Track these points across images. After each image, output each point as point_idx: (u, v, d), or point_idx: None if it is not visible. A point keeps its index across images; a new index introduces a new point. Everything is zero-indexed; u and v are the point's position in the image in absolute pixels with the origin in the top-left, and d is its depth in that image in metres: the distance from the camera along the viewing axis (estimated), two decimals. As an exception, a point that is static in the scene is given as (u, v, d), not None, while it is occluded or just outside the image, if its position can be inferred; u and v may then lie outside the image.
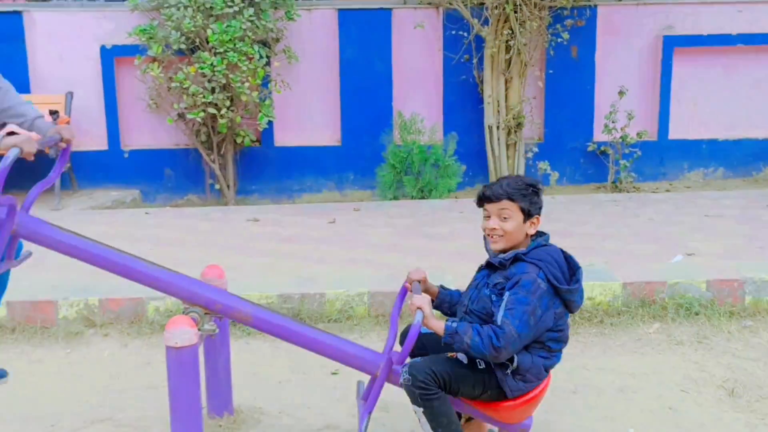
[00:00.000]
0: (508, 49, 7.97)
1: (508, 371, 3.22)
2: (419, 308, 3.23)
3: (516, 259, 3.24)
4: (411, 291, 3.47)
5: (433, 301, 3.53)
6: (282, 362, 4.69)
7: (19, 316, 5.15)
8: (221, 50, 7.63)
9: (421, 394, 3.17)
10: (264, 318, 3.52)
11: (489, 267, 3.38)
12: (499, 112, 8.13)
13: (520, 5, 7.70)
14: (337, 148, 8.57)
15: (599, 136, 8.52)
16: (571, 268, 3.30)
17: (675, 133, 8.64)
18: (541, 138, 8.58)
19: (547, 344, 3.27)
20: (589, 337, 4.96)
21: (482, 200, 3.29)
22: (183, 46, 7.76)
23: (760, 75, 8.67)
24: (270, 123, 8.28)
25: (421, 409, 3.20)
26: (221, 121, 7.86)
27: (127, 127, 8.45)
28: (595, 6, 8.37)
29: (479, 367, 3.26)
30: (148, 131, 8.46)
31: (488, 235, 3.31)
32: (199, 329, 3.37)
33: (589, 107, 8.54)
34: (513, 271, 3.22)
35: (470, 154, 8.40)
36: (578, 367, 4.54)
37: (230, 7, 7.61)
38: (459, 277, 5.17)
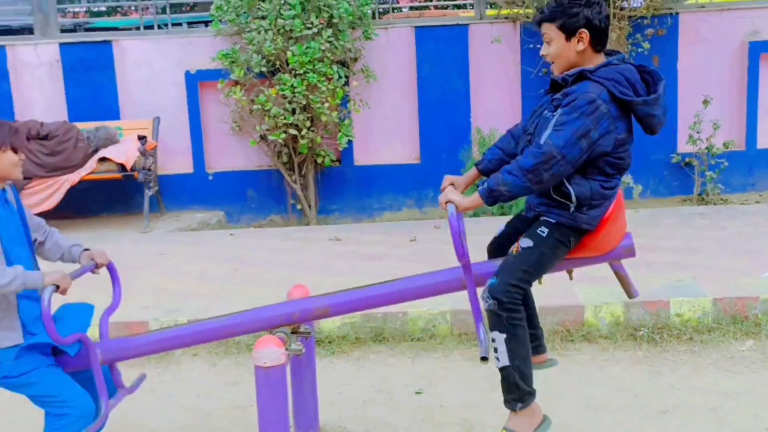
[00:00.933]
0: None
1: (572, 210, 3.14)
2: (448, 202, 3.19)
3: (580, 76, 3.12)
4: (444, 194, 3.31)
5: (477, 182, 3.43)
6: (366, 381, 4.70)
7: (114, 336, 5.27)
8: (301, 72, 7.71)
9: (508, 317, 3.12)
10: (340, 301, 3.57)
11: (553, 88, 3.30)
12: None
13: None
14: (416, 165, 8.58)
15: (683, 147, 8.37)
16: (652, 81, 3.18)
17: (763, 142, 8.44)
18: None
19: (605, 169, 3.14)
20: (679, 355, 4.85)
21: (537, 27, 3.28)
22: (264, 69, 7.88)
23: None
24: (350, 142, 8.35)
25: (504, 335, 3.14)
26: (302, 141, 7.94)
27: (211, 150, 8.60)
28: (677, 14, 8.26)
29: (543, 234, 3.18)
30: (231, 153, 8.59)
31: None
32: (286, 349, 3.41)
33: (673, 117, 8.35)
34: (573, 88, 3.10)
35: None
36: (668, 386, 4.45)
37: (309, 29, 7.70)
38: (551, 297, 5.17)
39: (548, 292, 5.01)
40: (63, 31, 8.92)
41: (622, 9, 7.81)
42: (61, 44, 8.45)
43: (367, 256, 6.67)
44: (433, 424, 4.15)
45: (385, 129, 8.60)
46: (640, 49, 8.09)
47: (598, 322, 5.14)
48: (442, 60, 8.44)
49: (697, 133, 8.19)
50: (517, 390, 3.22)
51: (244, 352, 5.11)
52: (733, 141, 8.34)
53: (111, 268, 3.62)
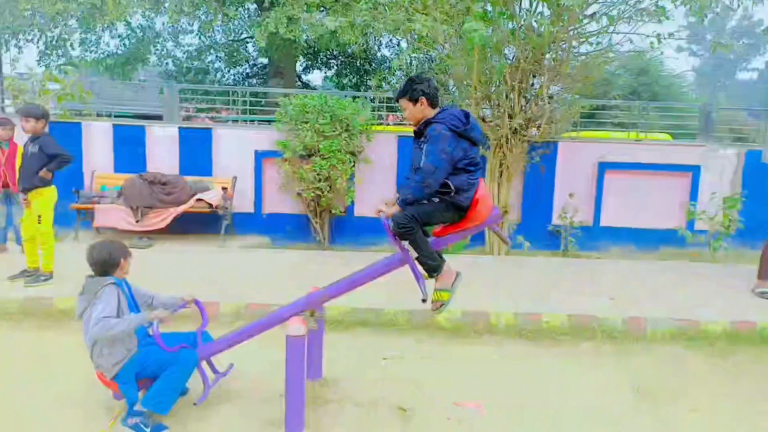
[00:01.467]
0: (501, 165, 7.92)
1: (452, 193, 3.20)
2: (380, 212, 3.32)
3: (427, 123, 3.26)
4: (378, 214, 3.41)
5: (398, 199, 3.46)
6: (354, 349, 4.65)
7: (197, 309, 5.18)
8: (327, 156, 7.71)
9: (404, 232, 3.18)
10: (330, 291, 3.60)
11: (415, 134, 3.38)
12: (495, 204, 8.08)
13: (509, 139, 7.70)
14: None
15: (556, 220, 8.41)
16: (468, 119, 3.26)
17: (604, 222, 8.48)
18: (519, 220, 8.45)
19: (466, 167, 3.23)
20: (546, 348, 4.77)
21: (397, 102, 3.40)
22: (304, 153, 7.85)
23: (660, 188, 8.53)
24: (352, 202, 8.30)
25: (407, 242, 3.21)
26: (323, 199, 7.91)
27: (266, 199, 8.49)
28: (557, 142, 8.35)
29: (435, 201, 3.24)
30: (278, 202, 8.48)
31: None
32: (306, 326, 3.42)
33: (550, 203, 8.43)
34: (428, 131, 3.22)
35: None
36: (538, 367, 4.38)
37: (334, 131, 7.73)
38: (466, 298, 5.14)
39: (468, 301, 5.05)
40: (182, 118, 8.95)
41: (524, 136, 7.81)
42: (180, 127, 8.44)
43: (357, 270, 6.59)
44: (393, 380, 4.07)
45: (374, 195, 8.44)
46: (533, 161, 8.13)
47: (498, 323, 5.11)
48: (411, 155, 8.42)
49: (565, 213, 8.25)
50: (429, 267, 3.31)
51: (280, 326, 5.01)
52: (585, 220, 8.39)
53: (197, 303, 3.60)
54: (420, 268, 3.37)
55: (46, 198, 5.42)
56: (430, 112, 3.30)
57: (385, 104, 9.63)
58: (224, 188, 8.07)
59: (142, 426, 3.24)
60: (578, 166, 8.43)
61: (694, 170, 8.33)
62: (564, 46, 7.50)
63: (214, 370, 3.60)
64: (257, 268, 6.51)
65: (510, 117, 7.65)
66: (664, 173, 8.41)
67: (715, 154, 8.39)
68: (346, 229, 8.46)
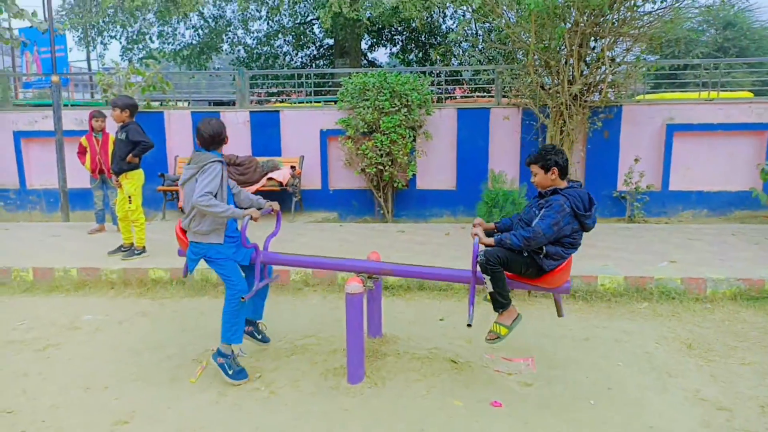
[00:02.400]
0: (561, 132, 7.92)
1: (542, 255, 3.40)
2: (475, 234, 3.51)
3: (555, 191, 3.46)
4: (474, 229, 3.61)
5: (493, 231, 3.71)
6: (412, 312, 4.94)
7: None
8: (387, 132, 7.96)
9: (489, 267, 3.41)
10: (399, 270, 3.86)
11: (539, 195, 3.59)
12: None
13: (569, 106, 7.69)
14: (453, 191, 8.68)
15: (621, 186, 8.33)
16: (590, 203, 3.45)
17: (673, 186, 8.32)
18: (582, 187, 8.43)
19: (565, 243, 3.42)
20: (601, 309, 4.96)
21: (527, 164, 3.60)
22: (365, 130, 8.14)
23: (732, 150, 8.25)
24: (414, 175, 8.51)
25: (489, 277, 3.44)
26: (385, 173, 8.18)
27: (332, 176, 8.87)
28: (621, 105, 8.23)
29: (524, 255, 3.45)
30: (344, 178, 8.83)
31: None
32: (364, 285, 3.76)
33: (614, 168, 8.34)
34: (551, 198, 3.43)
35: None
36: (591, 326, 4.58)
37: (393, 107, 7.96)
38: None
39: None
40: (253, 103, 9.49)
41: (585, 101, 7.79)
42: (251, 111, 8.95)
43: (419, 241, 6.88)
44: (448, 337, 4.36)
45: (436, 168, 8.70)
46: (595, 127, 8.10)
47: (552, 286, 5.31)
48: (473, 128, 8.53)
49: (630, 178, 8.17)
50: (500, 303, 3.53)
51: (342, 291, 5.37)
52: (653, 185, 8.27)
53: (278, 214, 4.04)
54: (490, 295, 3.57)
55: (134, 180, 6.10)
56: (560, 183, 3.52)
57: (446, 78, 9.78)
58: (293, 167, 8.55)
59: (226, 367, 3.71)
60: (644, 130, 8.28)
61: (770, 128, 7.99)
62: (628, 4, 7.36)
63: (264, 276, 4.00)
64: (325, 240, 6.96)
65: (570, 83, 7.65)
66: (738, 132, 8.11)
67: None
68: (409, 202, 8.74)
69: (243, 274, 3.83)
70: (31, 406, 3.47)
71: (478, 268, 3.52)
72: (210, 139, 3.67)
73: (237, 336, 3.74)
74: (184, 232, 3.81)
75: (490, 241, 3.51)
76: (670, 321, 4.67)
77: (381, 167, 8.16)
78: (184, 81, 10.74)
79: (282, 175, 8.30)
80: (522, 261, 3.44)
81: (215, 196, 3.56)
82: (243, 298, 3.70)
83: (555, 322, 4.64)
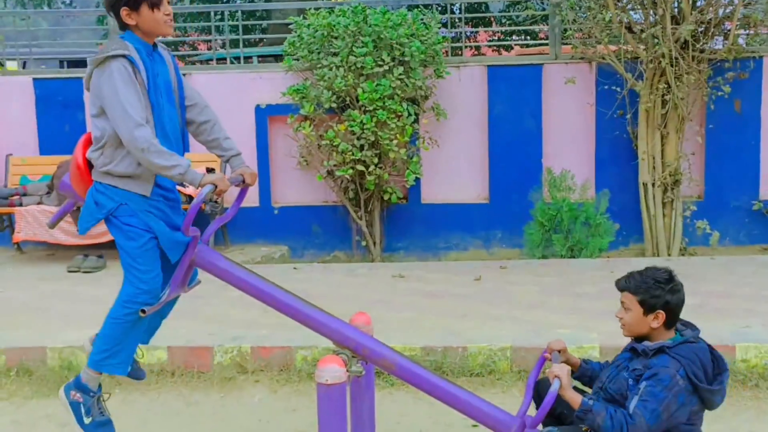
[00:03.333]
0: (664, 103, 8.02)
1: None
2: (557, 377, 3.45)
3: (660, 350, 3.43)
4: (550, 359, 3.68)
5: (573, 372, 3.70)
6: (424, 413, 4.90)
7: (179, 360, 5.59)
8: (371, 108, 7.98)
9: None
10: (407, 367, 3.81)
11: (633, 351, 3.57)
12: (654, 168, 8.18)
13: (677, 59, 7.80)
14: (485, 205, 8.73)
15: (766, 194, 8.43)
16: (717, 368, 3.45)
17: None
18: (701, 196, 8.52)
19: None
20: (743, 400, 4.96)
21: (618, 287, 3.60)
22: (334, 105, 8.16)
23: None
24: (417, 180, 8.52)
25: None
26: (369, 178, 8.17)
27: (277, 184, 8.91)
28: (761, 57, 8.35)
29: None
30: (297, 188, 8.87)
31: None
32: (347, 370, 3.74)
33: (755, 163, 8.44)
34: (654, 362, 3.40)
35: (624, 213, 8.44)
36: (730, 429, 4.59)
37: (380, 66, 8.01)
38: (605, 336, 5.37)
39: (611, 331, 5.29)
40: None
41: (702, 51, 7.95)
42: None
43: (430, 293, 6.86)
44: None
45: (454, 167, 8.78)
46: (720, 93, 8.15)
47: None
48: (515, 99, 8.59)
49: (780, 182, 8.32)
50: None
51: (304, 380, 5.34)
52: (823, 191, 8.39)
53: (244, 190, 4.03)
54: None
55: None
56: (664, 336, 3.54)
57: (467, 15, 9.87)
58: (210, 169, 8.43)
59: (82, 410, 3.71)
60: (801, 97, 8.41)
61: None
62: None
63: (183, 284, 3.98)
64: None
65: (676, 22, 7.79)
66: None
67: None
68: (410, 225, 8.75)
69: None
70: None
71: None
72: (107, 3, 3.67)
73: (116, 363, 3.75)
74: (88, 166, 3.74)
75: (575, 399, 3.47)
76: None
77: (362, 168, 8.18)
78: (18, 26, 10.70)
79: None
80: None
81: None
82: (143, 310, 3.68)
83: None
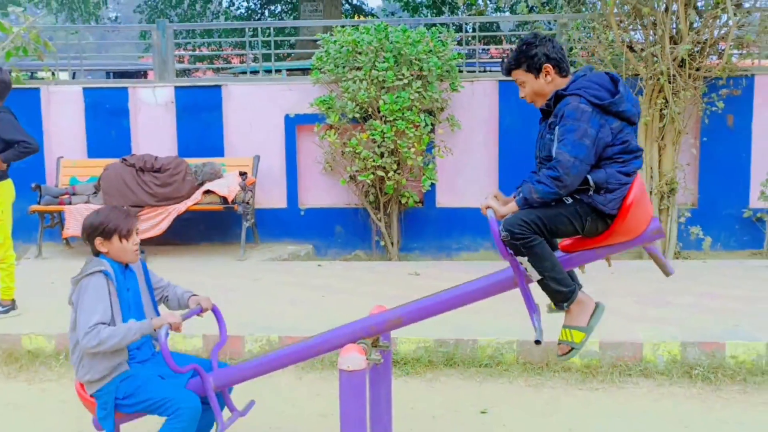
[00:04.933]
0: (662, 117, 8.05)
1: (590, 192, 3.36)
2: (488, 208, 3.45)
3: (558, 96, 3.42)
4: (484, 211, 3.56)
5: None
6: (437, 400, 4.95)
7: (213, 347, 5.70)
8: (391, 119, 8.04)
9: (521, 244, 3.34)
10: (410, 311, 3.87)
11: (541, 112, 3.58)
12: (652, 177, 8.19)
13: (674, 76, 7.83)
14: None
15: (755, 202, 8.39)
16: (615, 84, 3.41)
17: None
18: (694, 204, 8.51)
19: (615, 157, 3.39)
20: (731, 394, 4.98)
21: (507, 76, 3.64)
22: (357, 115, 8.22)
23: None
24: (432, 185, 8.56)
25: (526, 257, 3.38)
26: (388, 183, 8.23)
27: (304, 188, 8.96)
28: (752, 75, 8.32)
29: (567, 202, 3.40)
30: (322, 191, 8.92)
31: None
32: (367, 358, 3.78)
33: (745, 174, 8.43)
34: (558, 107, 3.39)
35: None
36: (718, 421, 4.60)
37: (400, 80, 8.05)
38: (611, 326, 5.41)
39: (609, 329, 5.33)
40: (178, 74, 9.61)
41: (698, 69, 7.95)
42: (177, 87, 9.03)
43: (443, 289, 6.93)
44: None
45: (466, 174, 8.78)
46: (714, 108, 8.18)
47: (656, 358, 5.33)
48: (524, 112, 8.43)
49: (768, 190, 8.29)
50: (558, 293, 3.49)
51: (327, 368, 5.40)
52: (810, 199, 8.33)
53: (215, 311, 4.03)
54: (540, 285, 3.53)
55: (2, 196, 6.13)
56: (561, 83, 3.50)
57: (479, 34, 9.90)
58: (242, 173, 8.57)
59: None
60: (790, 113, 8.39)
61: None
62: None
63: (231, 407, 4.03)
64: (295, 289, 6.98)
65: (673, 42, 7.79)
66: None
67: None
68: (425, 227, 8.79)
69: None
70: None
71: (537, 313, 3.55)
72: (86, 234, 3.84)
73: None
74: (83, 388, 3.85)
75: (512, 206, 3.45)
76: None
77: (381, 173, 8.22)
78: (67, 40, 10.80)
79: (226, 186, 8.34)
80: (567, 213, 3.41)
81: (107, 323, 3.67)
82: None
83: (663, 417, 4.67)
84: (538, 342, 3.57)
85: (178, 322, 3.68)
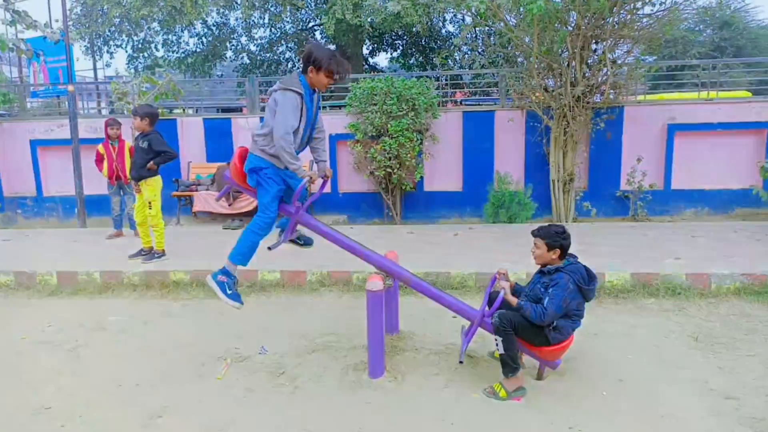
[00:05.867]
0: (565, 133, 8.03)
1: (551, 328, 3.51)
2: (503, 287, 3.60)
3: (557, 269, 3.56)
4: (499, 278, 3.78)
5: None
6: (426, 309, 4.99)
7: (287, 278, 5.75)
8: (395, 136, 8.07)
9: (502, 329, 3.50)
10: (415, 282, 3.93)
11: (541, 272, 3.69)
12: (558, 171, 8.20)
13: (573, 107, 7.83)
14: (460, 192, 8.75)
15: (624, 186, 8.42)
16: (590, 277, 3.58)
17: (675, 185, 8.42)
18: (586, 188, 8.53)
19: (572, 317, 3.55)
20: (608, 304, 5.06)
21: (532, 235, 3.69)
22: (374, 134, 8.26)
23: (732, 148, 8.37)
24: (421, 177, 8.60)
25: (501, 338, 3.51)
26: (394, 176, 8.27)
27: (342, 180, 9.00)
28: (623, 106, 8.32)
29: (529, 321, 3.52)
30: (353, 182, 8.95)
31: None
32: (384, 284, 3.86)
33: (617, 168, 8.44)
34: (555, 276, 3.54)
35: (540, 197, 8.44)
36: (599, 320, 4.69)
37: (401, 111, 8.07)
38: (529, 267, 5.41)
39: (533, 268, 5.32)
40: (262, 109, 9.66)
41: (588, 102, 7.91)
42: (261, 117, 9.01)
43: (429, 242, 6.96)
44: (461, 331, 4.48)
45: (443, 170, 8.78)
46: (598, 127, 8.18)
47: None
48: (479, 131, 8.60)
49: (633, 178, 8.28)
50: (508, 366, 3.56)
51: (358, 290, 5.48)
52: (656, 183, 8.36)
53: (326, 181, 4.03)
54: (500, 357, 3.60)
55: (154, 186, 6.24)
56: (559, 261, 3.63)
57: (450, 82, 9.90)
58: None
59: (226, 287, 3.78)
60: (646, 130, 8.38)
61: (769, 127, 8.12)
62: (628, 7, 7.49)
63: (292, 232, 4.09)
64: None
65: (572, 85, 7.78)
66: (737, 131, 8.24)
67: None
68: (417, 204, 8.84)
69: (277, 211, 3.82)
70: (67, 403, 3.60)
71: (493, 326, 3.58)
72: (303, 56, 3.66)
73: (245, 259, 3.83)
74: (242, 161, 3.79)
75: (513, 300, 3.57)
76: (676, 315, 4.77)
77: (389, 170, 8.26)
78: (191, 88, 10.88)
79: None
80: (532, 330, 3.52)
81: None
82: (269, 248, 3.85)
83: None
84: (461, 362, 3.68)
85: (315, 178, 3.70)
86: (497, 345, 3.54)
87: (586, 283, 3.55)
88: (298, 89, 3.58)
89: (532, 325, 3.51)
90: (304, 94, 3.61)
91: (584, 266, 3.62)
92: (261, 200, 3.80)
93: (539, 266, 3.71)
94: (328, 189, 8.97)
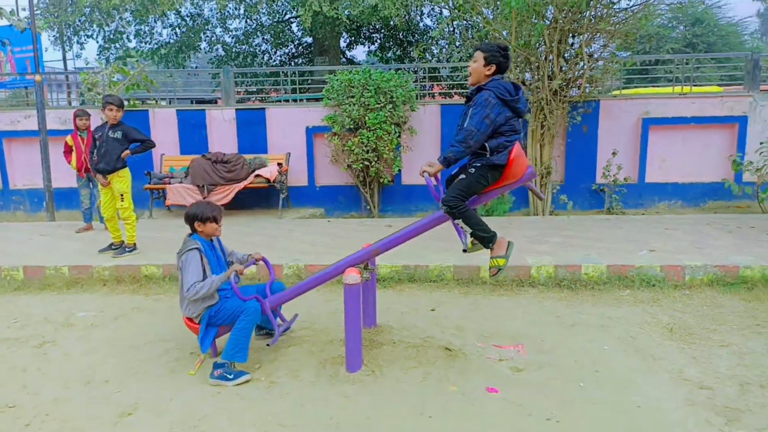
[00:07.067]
0: (543, 126, 8.07)
1: (488, 154, 3.39)
2: (423, 172, 3.50)
3: (478, 89, 3.44)
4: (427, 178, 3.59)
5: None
6: (404, 302, 4.99)
7: (264, 272, 5.64)
8: (373, 128, 8.03)
9: (457, 211, 3.42)
10: (384, 242, 3.87)
11: (466, 97, 3.57)
12: (536, 165, 8.23)
13: (550, 101, 7.86)
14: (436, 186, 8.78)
15: (600, 179, 8.50)
16: (516, 91, 3.44)
17: (649, 179, 8.52)
18: (562, 181, 8.60)
19: (504, 132, 3.41)
20: (585, 297, 5.07)
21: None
22: (352, 126, 8.20)
23: (704, 142, 8.49)
24: (399, 171, 8.58)
25: (460, 219, 3.44)
26: (372, 169, 8.25)
27: (318, 172, 8.93)
28: (599, 100, 8.39)
29: (472, 172, 3.43)
30: (330, 175, 8.89)
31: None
32: (361, 277, 3.80)
33: (593, 162, 8.51)
34: (476, 96, 3.41)
35: (517, 191, 8.44)
36: (577, 312, 4.69)
37: (378, 104, 8.03)
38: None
39: (513, 258, 5.37)
40: (237, 101, 9.52)
41: (565, 96, 7.95)
42: (237, 109, 8.95)
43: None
44: (440, 326, 4.43)
45: (421, 163, 8.62)
46: (575, 121, 8.25)
47: (539, 275, 5.40)
48: (455, 123, 8.62)
49: (608, 171, 8.36)
50: (485, 238, 3.53)
51: (335, 284, 5.40)
52: (630, 177, 8.46)
53: (264, 260, 4.03)
54: (472, 236, 3.57)
55: (125, 179, 6.07)
56: (486, 80, 3.47)
57: (428, 75, 9.86)
58: (279, 164, 8.56)
59: (226, 375, 3.68)
60: (621, 124, 8.47)
61: (741, 121, 8.25)
62: (604, 1, 7.54)
63: (282, 319, 4.09)
64: (316, 235, 6.99)
65: (550, 78, 7.80)
66: (710, 125, 8.36)
67: (763, 103, 8.26)
68: (395, 197, 8.82)
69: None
70: (33, 401, 3.47)
71: (450, 215, 3.52)
72: (188, 221, 3.80)
73: (242, 354, 3.73)
74: (191, 319, 3.84)
75: (435, 164, 3.46)
76: (651, 307, 4.80)
77: (367, 163, 8.21)
78: (165, 79, 10.65)
79: (269, 171, 8.31)
80: (477, 176, 3.41)
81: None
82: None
83: (542, 310, 4.76)
84: (465, 251, 3.61)
85: (242, 269, 3.72)
86: (462, 235, 3.45)
87: (511, 95, 3.40)
88: (194, 246, 3.72)
89: (472, 174, 3.39)
90: (201, 247, 3.74)
91: (511, 82, 3.49)
92: (231, 315, 3.77)
93: (471, 87, 3.56)
94: (304, 182, 8.86)
